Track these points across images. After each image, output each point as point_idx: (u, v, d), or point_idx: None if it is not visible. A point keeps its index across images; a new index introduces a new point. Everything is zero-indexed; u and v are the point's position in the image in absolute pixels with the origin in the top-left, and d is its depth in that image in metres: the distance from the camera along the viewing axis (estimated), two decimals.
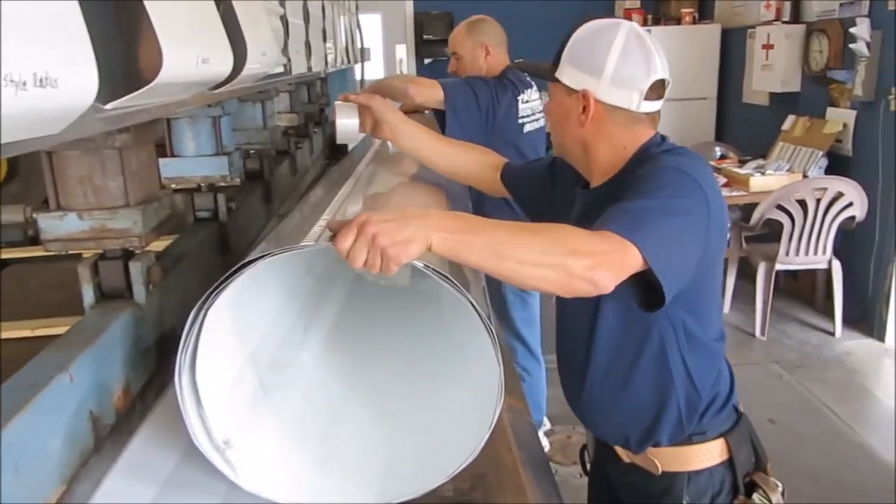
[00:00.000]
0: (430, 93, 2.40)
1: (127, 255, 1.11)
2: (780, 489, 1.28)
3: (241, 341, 1.14)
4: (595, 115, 1.21)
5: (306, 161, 2.64)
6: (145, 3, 0.63)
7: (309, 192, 1.77)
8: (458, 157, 1.61)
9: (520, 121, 2.64)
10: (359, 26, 3.65)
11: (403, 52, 6.10)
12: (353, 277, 1.51)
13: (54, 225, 1.05)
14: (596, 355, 1.29)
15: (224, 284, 0.92)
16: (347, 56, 3.03)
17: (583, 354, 1.32)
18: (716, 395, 1.28)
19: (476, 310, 0.92)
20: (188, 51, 0.74)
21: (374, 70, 5.34)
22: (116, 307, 1.09)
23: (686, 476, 1.28)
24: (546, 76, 1.28)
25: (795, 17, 4.70)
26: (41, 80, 0.43)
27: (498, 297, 2.64)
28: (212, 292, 0.93)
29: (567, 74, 1.23)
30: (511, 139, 2.58)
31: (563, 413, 2.16)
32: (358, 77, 3.82)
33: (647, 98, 1.21)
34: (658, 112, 1.26)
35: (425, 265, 0.91)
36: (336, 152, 3.05)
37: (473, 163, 1.62)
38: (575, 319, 1.35)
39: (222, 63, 0.90)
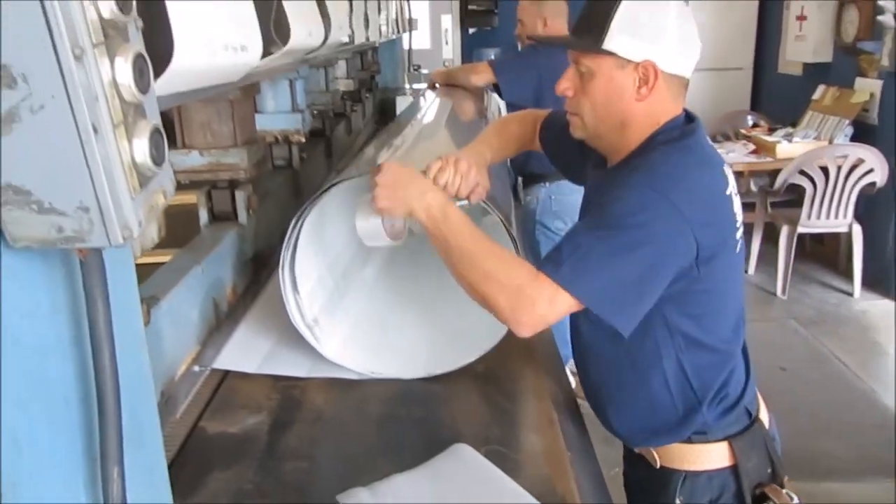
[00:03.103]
0: (486, 76, 2.88)
1: (233, 185, 1.42)
2: (795, 502, 1.20)
3: (322, 254, 1.45)
4: (655, 88, 1.11)
5: (359, 123, 2.94)
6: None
7: (363, 150, 2.07)
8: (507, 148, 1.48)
9: None
10: None
11: (449, 22, 6.34)
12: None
13: (181, 160, 1.37)
14: (593, 350, 1.28)
15: (316, 200, 1.23)
16: (397, 26, 3.29)
17: (583, 348, 1.31)
18: (724, 396, 1.21)
19: (506, 229, 1.23)
20: (301, 24, 1.04)
21: (420, 39, 5.58)
22: (225, 227, 1.41)
23: (682, 475, 1.23)
24: (588, 48, 1.13)
25: None
26: (241, 47, 0.74)
27: (530, 238, 2.93)
28: (307, 206, 1.23)
29: (620, 44, 1.09)
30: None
31: None
32: (406, 46, 4.09)
33: None
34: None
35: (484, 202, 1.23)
36: (385, 117, 3.35)
37: (518, 140, 1.50)
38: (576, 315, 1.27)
39: (317, 34, 1.20)
